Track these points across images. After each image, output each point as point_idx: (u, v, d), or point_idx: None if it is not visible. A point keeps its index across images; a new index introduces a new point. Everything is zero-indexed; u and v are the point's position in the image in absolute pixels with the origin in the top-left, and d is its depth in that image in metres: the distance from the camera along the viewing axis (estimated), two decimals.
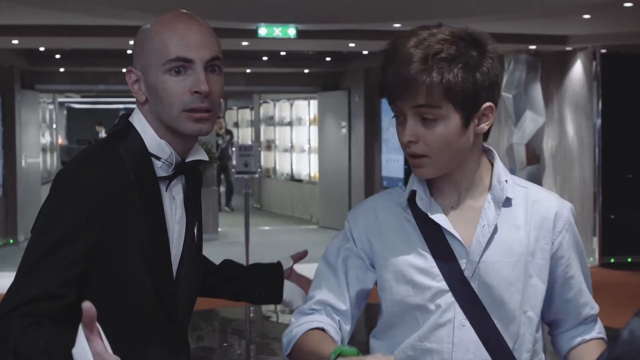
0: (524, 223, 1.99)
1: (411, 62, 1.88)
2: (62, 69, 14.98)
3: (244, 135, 21.27)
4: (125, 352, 1.92)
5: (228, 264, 2.43)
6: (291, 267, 2.42)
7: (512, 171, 11.62)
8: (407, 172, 13.54)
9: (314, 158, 16.88)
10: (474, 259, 1.95)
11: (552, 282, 2.04)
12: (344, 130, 15.38)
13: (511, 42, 11.04)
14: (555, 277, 2.04)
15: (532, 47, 11.33)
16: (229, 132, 18.30)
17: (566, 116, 11.83)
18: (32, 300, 1.86)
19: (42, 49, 13.00)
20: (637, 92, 11.42)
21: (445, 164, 1.95)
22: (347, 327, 2.06)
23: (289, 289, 2.37)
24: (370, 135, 14.73)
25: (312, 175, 17.16)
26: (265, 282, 2.38)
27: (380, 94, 1.97)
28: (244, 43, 10.62)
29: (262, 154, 18.72)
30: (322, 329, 1.99)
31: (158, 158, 1.99)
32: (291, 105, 18.16)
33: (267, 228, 16.03)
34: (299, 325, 2.01)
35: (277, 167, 18.79)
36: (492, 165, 2.04)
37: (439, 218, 1.97)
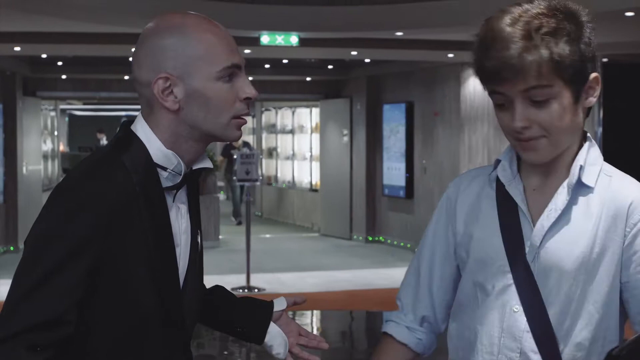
0: (598, 213, 1.87)
1: (513, 42, 1.78)
2: (64, 76, 15.00)
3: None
4: None
5: (219, 290, 2.33)
6: (284, 310, 2.30)
7: None
8: (408, 181, 13.54)
9: (316, 166, 16.88)
10: (535, 243, 1.88)
11: (625, 282, 1.88)
12: (346, 138, 15.38)
13: None
14: (627, 277, 1.88)
15: None
16: (246, 144, 17.91)
17: None
18: (35, 327, 1.77)
19: (44, 56, 13.01)
20: (638, 101, 11.42)
21: (561, 144, 1.87)
22: (431, 320, 2.10)
23: (273, 333, 2.27)
24: (372, 143, 14.73)
25: (313, 183, 17.15)
26: (250, 319, 2.28)
27: (483, 81, 1.86)
28: (247, 51, 10.64)
29: (264, 161, 18.75)
30: (391, 336, 2.10)
31: (164, 168, 1.91)
32: (293, 113, 18.17)
33: (268, 236, 16.02)
34: (385, 322, 2.14)
35: (279, 175, 18.78)
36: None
37: (515, 191, 1.91)
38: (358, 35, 10.33)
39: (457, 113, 12.34)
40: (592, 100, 1.88)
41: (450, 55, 11.27)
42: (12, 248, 13.23)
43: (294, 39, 9.81)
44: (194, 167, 1.98)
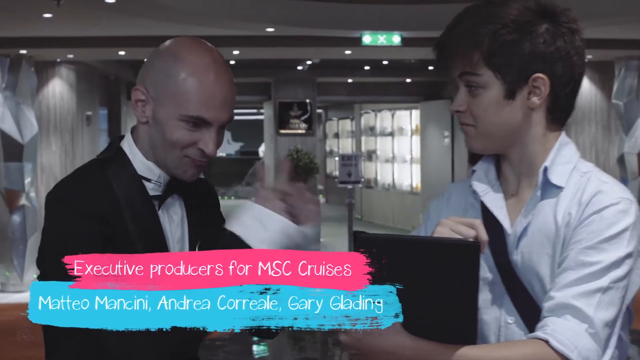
0: (565, 211, 1.77)
1: (460, 26, 1.79)
2: None
3: (345, 146, 21.24)
4: None
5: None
6: None
7: (624, 181, 11.27)
8: None
9: (416, 168, 16.74)
10: (512, 250, 1.81)
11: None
12: (447, 140, 15.19)
13: (622, 48, 10.73)
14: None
15: None
16: None
17: None
18: None
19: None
20: None
21: (493, 138, 1.82)
22: None
23: None
24: None
25: (413, 185, 17.00)
26: None
27: (437, 60, 1.87)
28: (347, 52, 10.57)
29: (363, 164, 18.67)
30: None
31: (148, 180, 1.97)
32: (392, 115, 18.07)
33: None
34: None
35: (379, 178, 18.68)
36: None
37: (490, 201, 1.85)
38: None
39: None
40: (535, 101, 1.79)
41: None
42: None
43: (396, 39, 9.68)
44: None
